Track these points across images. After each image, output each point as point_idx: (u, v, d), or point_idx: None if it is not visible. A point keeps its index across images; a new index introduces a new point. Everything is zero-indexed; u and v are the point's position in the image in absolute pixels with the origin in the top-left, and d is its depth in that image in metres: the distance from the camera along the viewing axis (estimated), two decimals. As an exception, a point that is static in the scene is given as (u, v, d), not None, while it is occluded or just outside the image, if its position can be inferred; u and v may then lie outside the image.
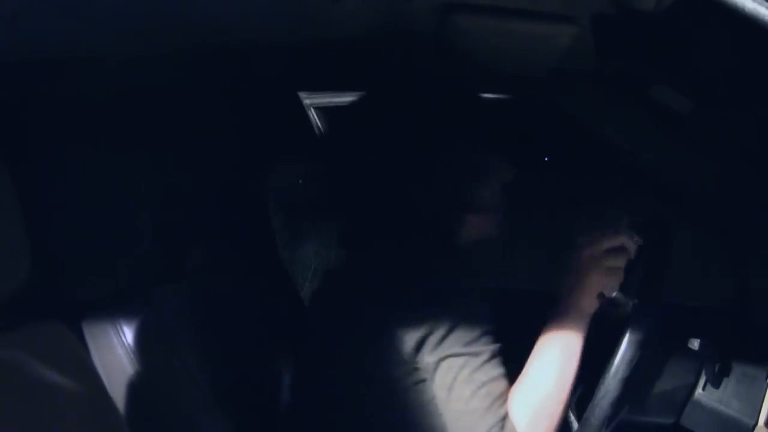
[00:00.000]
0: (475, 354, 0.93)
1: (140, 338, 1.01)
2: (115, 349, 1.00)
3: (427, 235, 1.07)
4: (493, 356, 0.95)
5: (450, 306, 0.95)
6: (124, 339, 1.01)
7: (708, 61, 0.94)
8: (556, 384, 0.96)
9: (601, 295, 0.99)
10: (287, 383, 1.18)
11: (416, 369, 0.96)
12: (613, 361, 0.93)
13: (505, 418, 0.93)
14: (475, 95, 1.17)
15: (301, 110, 1.53)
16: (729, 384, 1.00)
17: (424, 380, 0.96)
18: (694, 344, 1.01)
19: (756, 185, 1.17)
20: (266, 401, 1.24)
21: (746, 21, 0.64)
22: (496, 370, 0.94)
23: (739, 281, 1.32)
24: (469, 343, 0.93)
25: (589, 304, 0.99)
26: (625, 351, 0.92)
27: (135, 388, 0.98)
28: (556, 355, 0.97)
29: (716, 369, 1.00)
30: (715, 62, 0.94)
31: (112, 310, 1.02)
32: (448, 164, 1.07)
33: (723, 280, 1.35)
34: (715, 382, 1.00)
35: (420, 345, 0.94)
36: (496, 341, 0.96)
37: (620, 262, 0.99)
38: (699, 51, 0.92)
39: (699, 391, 1.00)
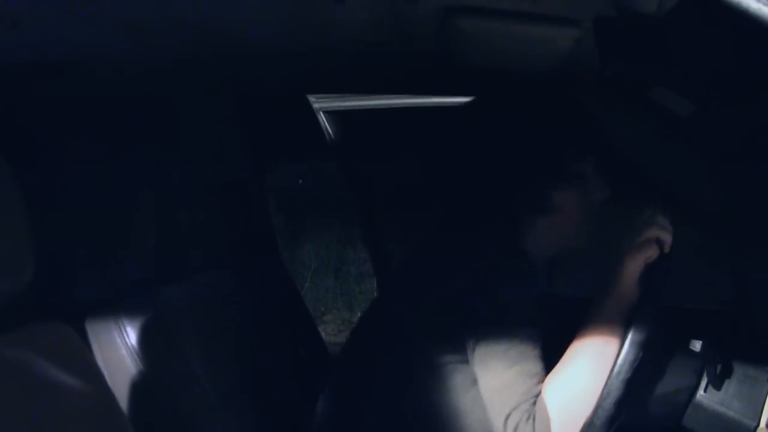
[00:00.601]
0: (513, 336, 0.95)
1: (143, 337, 1.01)
2: (118, 349, 1.00)
3: (494, 233, 1.08)
4: (529, 338, 0.96)
5: (494, 295, 0.98)
6: (126, 338, 1.01)
7: (710, 63, 0.94)
8: (592, 376, 0.96)
9: (660, 279, 0.99)
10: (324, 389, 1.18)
11: (461, 359, 0.99)
12: (616, 362, 0.93)
13: (537, 396, 0.94)
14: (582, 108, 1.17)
15: (305, 112, 1.53)
16: (730, 385, 1.00)
17: (465, 363, 0.99)
18: (696, 346, 1.01)
19: (756, 186, 1.17)
20: (266, 399, 1.24)
21: (750, 22, 0.64)
22: (531, 350, 0.96)
23: (739, 282, 1.32)
24: (507, 327, 0.96)
25: (631, 294, 0.99)
26: (628, 352, 0.92)
27: (138, 386, 0.99)
28: (595, 347, 0.97)
29: (718, 370, 1.00)
30: (717, 65, 0.94)
31: (114, 309, 1.03)
32: (539, 162, 1.08)
33: (723, 282, 1.35)
34: (717, 383, 1.00)
35: (464, 334, 0.97)
36: (534, 327, 0.98)
37: (652, 233, 0.99)
38: (702, 53, 0.92)
39: (700, 392, 1.00)
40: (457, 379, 1.00)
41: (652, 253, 0.99)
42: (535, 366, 0.96)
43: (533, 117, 1.10)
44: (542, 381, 0.96)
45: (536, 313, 0.99)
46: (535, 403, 0.94)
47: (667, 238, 1.00)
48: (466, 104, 1.18)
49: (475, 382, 0.99)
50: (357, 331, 1.18)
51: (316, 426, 1.12)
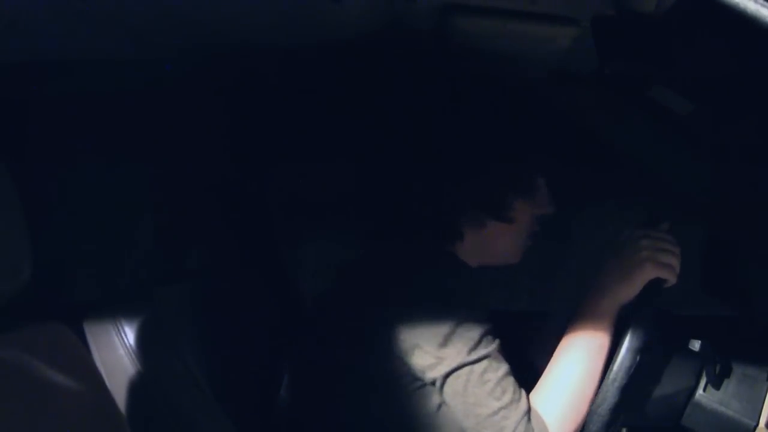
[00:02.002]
0: (480, 359, 0.93)
1: (141, 338, 1.01)
2: (117, 349, 1.00)
3: (443, 233, 1.07)
4: (495, 354, 0.94)
5: (448, 310, 0.94)
6: (125, 339, 1.01)
7: (709, 62, 0.94)
8: (585, 378, 0.95)
9: (656, 290, 0.98)
10: (286, 382, 1.18)
11: (419, 377, 0.95)
12: (612, 367, 0.93)
13: (528, 411, 0.93)
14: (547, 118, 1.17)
15: (305, 111, 1.53)
16: (729, 385, 1.00)
17: (429, 385, 0.95)
18: (695, 345, 1.01)
19: (756, 185, 1.17)
20: (266, 401, 1.24)
21: (748, 23, 0.64)
22: (501, 367, 0.94)
23: (738, 282, 1.32)
24: (471, 350, 0.93)
25: (628, 294, 0.98)
26: (624, 358, 0.92)
27: (136, 387, 0.98)
28: (586, 348, 0.97)
29: (717, 370, 1.00)
30: (716, 64, 0.94)
31: (113, 310, 1.02)
32: (499, 170, 1.06)
33: (723, 283, 1.35)
34: (716, 383, 1.00)
35: (414, 354, 0.93)
36: (494, 338, 0.96)
37: (673, 260, 0.99)
38: (700, 52, 0.92)
39: (700, 392, 1.00)
40: (420, 400, 0.97)
41: (670, 277, 0.98)
42: (510, 379, 0.94)
43: (512, 121, 1.08)
44: (522, 392, 0.94)
45: (485, 311, 0.97)
46: (530, 419, 0.92)
47: (676, 249, 0.99)
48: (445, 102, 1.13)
49: (440, 405, 0.96)
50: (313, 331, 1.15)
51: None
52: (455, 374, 0.93)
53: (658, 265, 0.98)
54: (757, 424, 0.97)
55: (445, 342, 0.92)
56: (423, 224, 1.07)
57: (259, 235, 1.49)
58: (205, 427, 1.02)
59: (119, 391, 0.97)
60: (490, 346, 0.94)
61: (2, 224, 0.67)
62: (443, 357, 0.93)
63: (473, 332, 0.93)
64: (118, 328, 1.01)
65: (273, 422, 1.19)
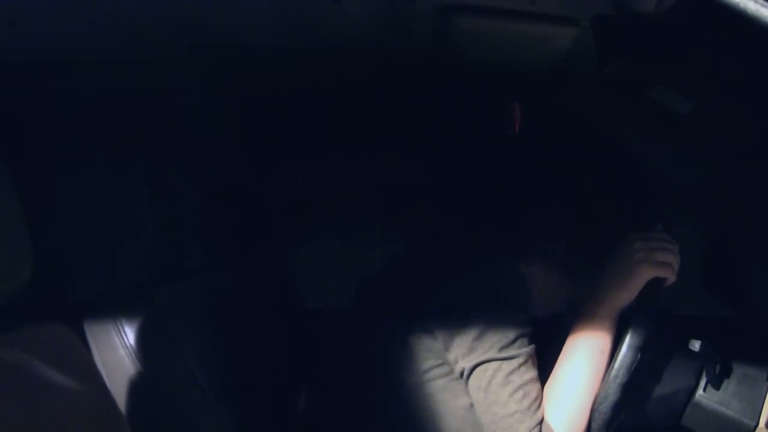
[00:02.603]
0: (510, 358, 0.94)
1: (141, 338, 1.01)
2: (117, 349, 1.00)
3: (518, 248, 1.08)
4: (527, 359, 0.95)
5: (486, 307, 0.95)
6: (125, 339, 1.01)
7: (709, 62, 0.94)
8: (588, 383, 0.96)
9: (656, 289, 0.98)
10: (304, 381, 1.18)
11: (445, 367, 0.97)
12: (613, 365, 0.93)
13: (542, 422, 0.93)
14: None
15: (305, 111, 1.53)
16: (729, 385, 1.00)
17: (454, 379, 0.97)
18: (695, 346, 1.01)
19: (756, 185, 1.17)
20: (266, 400, 1.24)
21: (748, 23, 0.64)
22: (530, 372, 0.95)
23: (739, 282, 1.32)
24: (503, 348, 0.94)
25: (627, 297, 0.99)
26: (625, 355, 0.92)
27: (136, 387, 0.98)
28: (588, 353, 0.97)
29: (717, 370, 1.00)
30: (716, 64, 0.94)
31: (113, 310, 1.02)
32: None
33: (723, 283, 1.35)
34: (716, 383, 1.00)
35: (450, 343, 0.95)
36: (530, 343, 0.96)
37: (670, 258, 0.99)
38: (700, 52, 0.92)
39: (700, 392, 1.00)
40: (444, 395, 0.98)
41: (668, 275, 0.98)
42: (535, 387, 0.95)
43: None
44: (542, 401, 0.94)
45: (526, 315, 0.98)
46: (541, 430, 0.93)
47: (675, 248, 1.00)
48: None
49: (464, 397, 0.97)
50: (340, 328, 1.16)
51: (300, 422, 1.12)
52: (482, 367, 0.94)
53: (655, 265, 0.98)
54: (757, 424, 0.97)
55: (480, 335, 0.94)
56: (510, 232, 1.09)
57: (259, 235, 1.49)
58: (205, 427, 1.02)
59: (119, 391, 0.97)
60: (523, 349, 0.95)
61: (2, 224, 0.67)
62: (474, 348, 0.94)
63: (509, 332, 0.94)
64: (118, 328, 1.00)
65: (273, 421, 1.19)
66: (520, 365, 0.94)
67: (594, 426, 0.94)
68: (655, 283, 0.98)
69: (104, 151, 1.08)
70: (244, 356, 1.22)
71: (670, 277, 0.99)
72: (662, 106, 1.12)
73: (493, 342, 0.93)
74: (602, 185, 1.11)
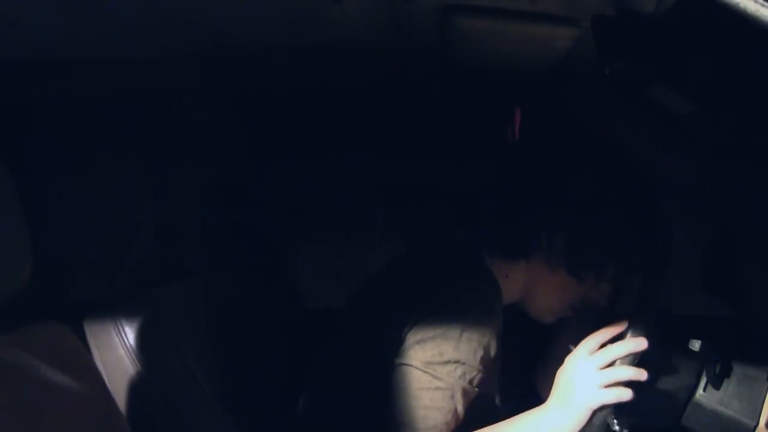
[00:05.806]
0: (433, 376, 0.92)
1: (141, 338, 1.01)
2: (117, 349, 1.00)
3: (518, 241, 1.08)
4: (452, 392, 0.92)
5: (449, 323, 0.94)
6: (125, 339, 1.01)
7: (709, 62, 0.94)
8: None
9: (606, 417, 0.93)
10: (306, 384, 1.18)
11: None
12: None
13: None
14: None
15: (305, 111, 1.53)
16: (730, 385, 1.00)
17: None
18: (695, 345, 1.01)
19: (756, 185, 1.17)
20: (266, 400, 1.24)
21: (748, 23, 0.64)
22: (445, 403, 0.92)
23: (739, 282, 1.32)
24: (431, 364, 0.92)
25: (568, 428, 0.93)
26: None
27: (136, 387, 0.99)
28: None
29: (717, 370, 1.00)
30: (716, 64, 0.94)
31: (113, 310, 1.02)
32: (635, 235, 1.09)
33: (723, 283, 1.35)
34: (716, 383, 1.00)
35: (406, 335, 0.95)
36: (474, 386, 0.94)
37: (617, 378, 0.92)
38: (700, 52, 0.92)
39: (700, 392, 1.00)
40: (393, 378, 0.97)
41: (616, 400, 0.91)
42: (441, 417, 0.92)
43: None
44: None
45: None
46: None
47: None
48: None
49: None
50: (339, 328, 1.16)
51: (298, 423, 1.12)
52: (404, 369, 0.94)
53: (601, 394, 0.91)
54: (757, 424, 0.97)
55: (421, 341, 0.94)
56: (509, 224, 1.08)
57: (259, 236, 1.49)
58: (205, 426, 1.02)
59: (119, 391, 0.97)
60: (452, 379, 0.92)
61: (2, 224, 0.67)
62: (411, 348, 0.94)
63: (449, 355, 0.92)
64: (118, 328, 1.01)
65: (273, 421, 1.19)
66: (438, 388, 0.92)
67: (596, 422, 0.93)
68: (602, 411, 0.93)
69: (104, 151, 1.08)
70: (244, 356, 1.22)
71: (624, 398, 0.91)
72: (662, 106, 1.12)
73: (427, 353, 0.93)
74: (602, 185, 1.11)
